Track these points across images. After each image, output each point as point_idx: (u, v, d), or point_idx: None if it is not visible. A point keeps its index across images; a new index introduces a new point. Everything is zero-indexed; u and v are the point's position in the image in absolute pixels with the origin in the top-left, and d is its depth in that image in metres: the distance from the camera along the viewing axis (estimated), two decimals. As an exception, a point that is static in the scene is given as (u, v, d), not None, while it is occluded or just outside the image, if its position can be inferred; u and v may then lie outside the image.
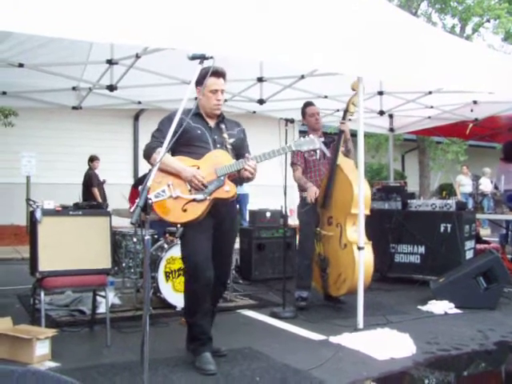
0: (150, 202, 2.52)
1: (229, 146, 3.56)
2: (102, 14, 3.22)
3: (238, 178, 3.53)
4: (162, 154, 2.84)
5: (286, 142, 5.11)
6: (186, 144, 3.48)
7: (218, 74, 3.51)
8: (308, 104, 5.45)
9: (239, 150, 3.67)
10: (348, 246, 4.91)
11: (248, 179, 3.52)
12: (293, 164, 5.26)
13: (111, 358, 3.66)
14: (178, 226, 3.54)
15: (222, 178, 3.41)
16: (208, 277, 3.40)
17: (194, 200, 3.36)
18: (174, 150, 3.53)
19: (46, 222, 3.90)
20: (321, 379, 3.29)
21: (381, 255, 6.05)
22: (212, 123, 3.63)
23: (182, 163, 3.45)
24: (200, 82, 3.35)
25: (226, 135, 3.59)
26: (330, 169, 5.13)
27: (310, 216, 5.20)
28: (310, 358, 3.67)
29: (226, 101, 7.04)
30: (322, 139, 5.24)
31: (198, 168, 3.44)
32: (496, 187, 7.40)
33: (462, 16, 15.75)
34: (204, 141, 3.50)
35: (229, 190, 3.42)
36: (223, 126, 3.63)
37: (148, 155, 3.52)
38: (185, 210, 3.36)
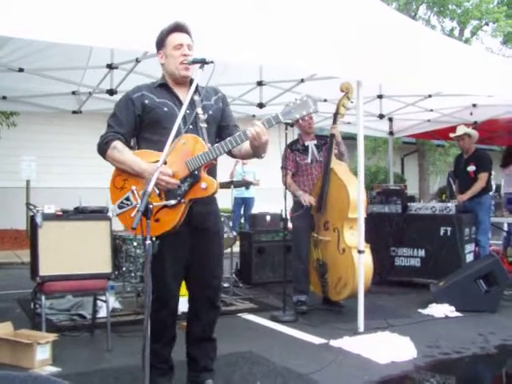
0: (150, 207, 2.47)
1: (203, 125, 2.89)
2: (102, 19, 3.24)
3: (252, 152, 2.82)
4: (161, 161, 2.48)
5: (286, 146, 5.14)
6: (151, 126, 2.88)
7: (180, 28, 2.90)
8: None
9: (220, 123, 3.05)
10: (347, 250, 4.91)
11: (261, 148, 2.77)
12: (283, 168, 5.19)
13: (112, 362, 3.65)
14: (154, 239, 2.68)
15: (197, 172, 2.76)
16: (171, 308, 2.98)
17: (165, 206, 2.74)
18: (138, 137, 2.97)
19: (46, 227, 3.90)
20: (322, 383, 3.28)
21: (381, 259, 6.06)
22: (182, 93, 2.93)
23: (139, 160, 2.79)
24: (160, 44, 2.91)
25: (199, 110, 2.90)
26: (323, 173, 5.13)
27: (304, 220, 5.20)
28: (310, 361, 3.66)
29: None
30: (315, 142, 5.27)
31: (165, 163, 2.70)
32: (497, 190, 7.41)
33: (460, 19, 15.82)
34: (173, 121, 2.60)
35: (206, 186, 2.77)
36: (196, 97, 2.91)
37: (102, 151, 2.87)
38: (157, 220, 2.72)
